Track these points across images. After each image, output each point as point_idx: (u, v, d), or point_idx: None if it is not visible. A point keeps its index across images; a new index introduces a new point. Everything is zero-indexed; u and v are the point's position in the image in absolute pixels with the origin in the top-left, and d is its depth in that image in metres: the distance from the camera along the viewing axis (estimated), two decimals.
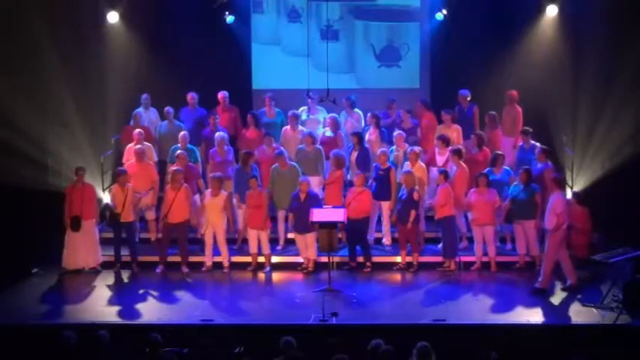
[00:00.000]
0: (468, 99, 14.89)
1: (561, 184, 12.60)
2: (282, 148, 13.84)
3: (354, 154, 13.81)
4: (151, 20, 15.63)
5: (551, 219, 11.95)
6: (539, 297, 11.74)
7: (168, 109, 14.79)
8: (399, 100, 15.04)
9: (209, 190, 13.06)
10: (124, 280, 12.85)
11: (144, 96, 15.18)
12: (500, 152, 13.59)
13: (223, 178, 13.27)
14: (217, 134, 14.05)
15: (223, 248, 13.11)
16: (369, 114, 14.58)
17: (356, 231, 12.90)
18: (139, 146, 13.78)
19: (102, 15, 15.26)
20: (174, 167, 13.36)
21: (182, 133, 14.14)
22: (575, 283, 11.98)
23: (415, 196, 12.74)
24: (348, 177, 13.78)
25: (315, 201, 12.80)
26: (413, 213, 12.71)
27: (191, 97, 15.03)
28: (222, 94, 15.02)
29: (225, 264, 13.13)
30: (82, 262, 13.07)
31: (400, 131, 13.99)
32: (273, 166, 13.42)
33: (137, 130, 14.16)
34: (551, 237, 12.00)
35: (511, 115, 14.84)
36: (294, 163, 13.54)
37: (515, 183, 12.93)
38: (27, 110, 13.27)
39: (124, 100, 15.23)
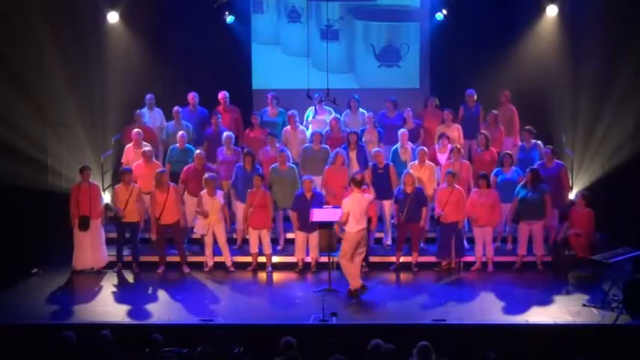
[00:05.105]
0: (475, 98, 14.90)
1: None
2: (284, 147, 13.80)
3: (353, 154, 13.79)
4: (151, 20, 15.62)
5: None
6: (538, 297, 11.76)
7: (177, 108, 14.72)
8: (399, 101, 15.03)
9: (205, 191, 12.95)
10: (124, 280, 12.84)
11: (148, 96, 15.12)
12: (509, 152, 13.58)
13: (218, 179, 13.21)
14: (225, 134, 14.03)
15: (225, 249, 13.08)
16: (366, 114, 14.59)
17: None
18: (147, 148, 13.72)
19: (102, 15, 15.25)
20: (158, 169, 13.24)
21: (180, 133, 14.07)
22: (361, 288, 11.76)
23: (429, 191, 12.80)
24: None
25: (320, 200, 12.82)
26: (425, 210, 12.75)
27: (192, 97, 14.99)
28: (222, 94, 14.97)
29: (229, 264, 13.10)
30: (91, 262, 13.05)
31: (405, 129, 14.01)
32: (273, 165, 13.43)
33: (135, 130, 14.10)
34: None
35: (506, 115, 14.83)
36: (292, 164, 13.54)
37: (522, 183, 12.89)
38: (27, 110, 13.27)
39: (124, 100, 15.21)
